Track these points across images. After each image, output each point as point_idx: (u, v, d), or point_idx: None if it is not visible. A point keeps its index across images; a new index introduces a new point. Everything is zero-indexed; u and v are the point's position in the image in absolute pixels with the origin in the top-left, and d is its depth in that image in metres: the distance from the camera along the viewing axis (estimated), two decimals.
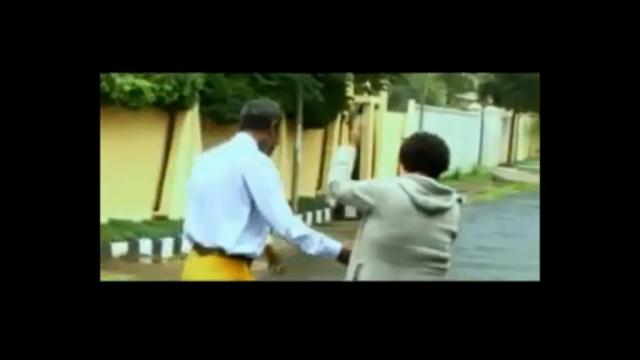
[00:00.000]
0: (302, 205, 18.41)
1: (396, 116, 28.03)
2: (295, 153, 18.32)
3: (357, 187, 4.95)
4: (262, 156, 5.21)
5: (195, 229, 5.19)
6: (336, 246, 5.15)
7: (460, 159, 28.74)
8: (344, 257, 5.10)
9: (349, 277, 4.96)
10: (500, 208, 23.69)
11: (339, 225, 17.70)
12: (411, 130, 28.20)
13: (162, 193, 15.40)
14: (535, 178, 37.03)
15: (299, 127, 18.16)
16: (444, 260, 4.95)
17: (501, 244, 16.42)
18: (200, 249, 5.16)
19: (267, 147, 5.32)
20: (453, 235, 4.98)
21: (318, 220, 19.15)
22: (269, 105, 5.43)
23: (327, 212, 19.48)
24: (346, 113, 21.89)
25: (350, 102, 21.32)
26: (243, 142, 5.27)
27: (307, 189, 19.87)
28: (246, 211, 5.10)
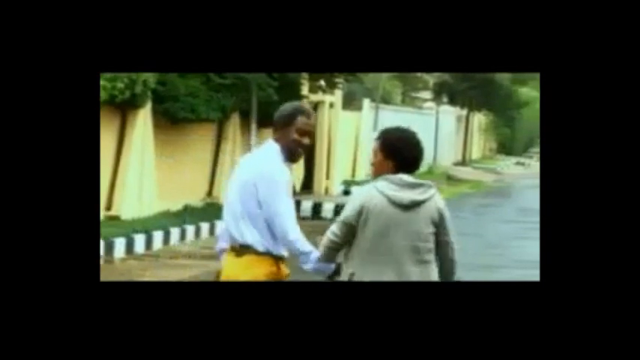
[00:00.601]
0: None
1: (350, 115, 27.97)
2: (249, 152, 18.18)
3: (343, 217, 5.07)
4: (275, 167, 5.28)
5: (230, 229, 5.35)
6: (329, 267, 5.27)
7: None
8: (334, 275, 5.26)
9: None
10: (455, 207, 23.67)
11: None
12: (366, 128, 28.18)
13: (114, 193, 15.22)
14: (489, 177, 37.20)
15: (253, 125, 18.05)
16: (428, 251, 5.08)
17: (457, 243, 16.39)
18: (236, 250, 5.32)
19: (284, 150, 5.34)
20: (436, 224, 5.11)
21: None
22: (282, 107, 5.47)
23: None
24: None
25: (305, 100, 21.20)
26: (267, 148, 5.37)
27: None
28: (262, 215, 5.27)
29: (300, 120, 5.32)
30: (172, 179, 16.97)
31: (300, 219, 19.97)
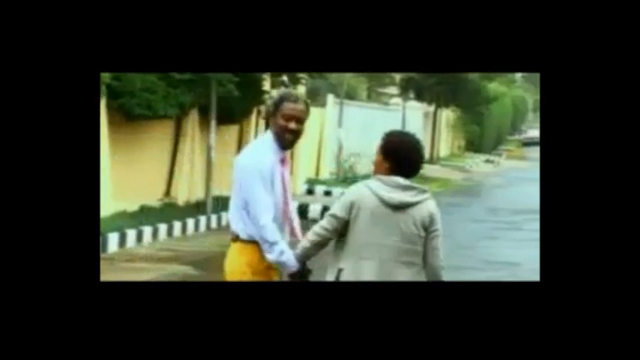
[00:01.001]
0: (216, 205, 17.70)
1: (314, 111, 27.36)
2: (209, 150, 17.60)
3: (333, 210, 5.20)
4: (253, 155, 5.46)
5: (229, 217, 5.62)
6: (293, 263, 5.36)
7: None
8: (296, 276, 5.36)
9: (329, 280, 5.21)
10: None
11: None
12: (330, 125, 27.67)
13: None
14: (458, 175, 36.80)
15: (212, 122, 17.45)
16: (415, 253, 5.17)
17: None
18: (232, 237, 5.55)
19: (276, 138, 5.51)
20: (426, 228, 5.18)
21: None
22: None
23: None
24: (262, 108, 21.22)
25: (267, 96, 20.65)
26: (261, 138, 5.59)
27: (222, 188, 19.07)
28: (241, 203, 5.46)
29: (286, 105, 5.47)
30: (128, 178, 16.36)
31: None
